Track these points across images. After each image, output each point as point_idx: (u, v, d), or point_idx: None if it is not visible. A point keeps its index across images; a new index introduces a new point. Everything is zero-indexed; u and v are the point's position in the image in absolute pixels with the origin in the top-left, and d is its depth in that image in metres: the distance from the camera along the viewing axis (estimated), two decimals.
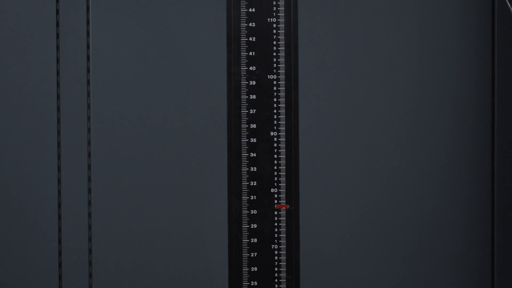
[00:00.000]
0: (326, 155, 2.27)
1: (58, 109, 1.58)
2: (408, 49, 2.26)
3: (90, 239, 1.61)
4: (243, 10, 1.30)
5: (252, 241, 1.31)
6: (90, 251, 1.62)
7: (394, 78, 2.27)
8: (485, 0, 2.24)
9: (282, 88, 1.31)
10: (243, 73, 1.31)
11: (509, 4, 1.26)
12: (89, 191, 1.61)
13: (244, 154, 1.31)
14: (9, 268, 2.27)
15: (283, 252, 1.32)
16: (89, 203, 1.62)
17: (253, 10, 1.30)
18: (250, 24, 1.30)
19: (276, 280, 1.31)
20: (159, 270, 2.28)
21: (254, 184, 1.31)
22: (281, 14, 1.30)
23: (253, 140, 1.31)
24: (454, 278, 2.28)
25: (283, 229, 1.32)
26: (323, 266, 2.27)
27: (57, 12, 1.55)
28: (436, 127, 2.27)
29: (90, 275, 1.60)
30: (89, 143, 1.56)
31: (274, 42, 1.31)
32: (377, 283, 2.29)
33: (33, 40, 2.24)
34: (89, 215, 1.62)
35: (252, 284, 1.31)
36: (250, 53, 1.30)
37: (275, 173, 1.31)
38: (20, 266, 2.26)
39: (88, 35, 1.53)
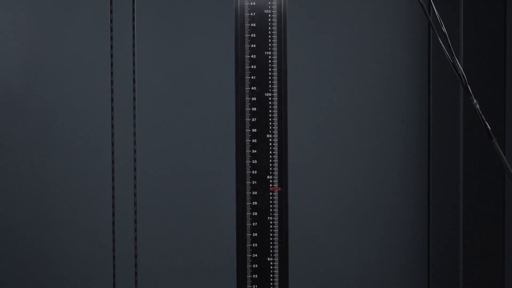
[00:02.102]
0: (307, 151, 2.27)
1: (112, 118, 1.57)
2: (370, 76, 2.26)
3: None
4: (247, 45, 1.30)
5: (253, 214, 1.31)
6: (135, 221, 1.61)
7: (357, 98, 2.27)
8: (423, 33, 2.24)
9: (275, 103, 1.31)
10: (247, 91, 1.31)
11: (441, 43, 1.26)
12: (135, 177, 1.60)
13: (247, 151, 1.31)
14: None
15: (276, 222, 1.31)
16: (135, 186, 1.61)
17: (254, 46, 1.30)
18: (252, 56, 1.30)
19: (271, 243, 1.31)
20: (185, 233, 2.27)
21: (255, 173, 1.31)
22: (275, 48, 1.30)
23: (254, 140, 1.31)
24: (395, 238, 2.29)
25: (276, 206, 1.31)
26: (306, 233, 2.26)
27: (111, 47, 1.54)
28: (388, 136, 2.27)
29: (136, 239, 1.60)
30: (134, 143, 1.56)
31: (269, 69, 1.31)
32: (347, 245, 2.29)
33: (93, 68, 2.24)
34: (135, 195, 1.61)
35: (253, 246, 1.31)
36: (252, 77, 1.30)
37: (270, 165, 1.31)
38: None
39: (134, 63, 1.52)
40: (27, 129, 2.24)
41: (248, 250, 1.31)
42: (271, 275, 1.31)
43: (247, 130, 1.31)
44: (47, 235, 2.26)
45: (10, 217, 2.25)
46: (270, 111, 1.31)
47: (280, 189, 1.31)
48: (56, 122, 2.24)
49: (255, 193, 1.31)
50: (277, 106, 1.31)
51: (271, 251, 1.31)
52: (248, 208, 1.31)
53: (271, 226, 1.31)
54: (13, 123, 2.24)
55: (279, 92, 1.31)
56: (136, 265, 1.58)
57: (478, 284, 2.20)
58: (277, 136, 1.31)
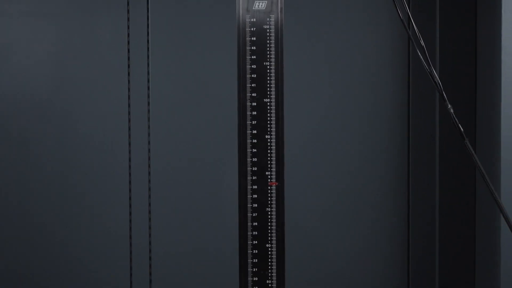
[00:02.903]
0: (301, 150, 2.27)
1: (129, 120, 1.57)
2: (357, 83, 2.26)
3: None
4: (248, 57, 1.30)
5: (253, 206, 1.31)
6: (149, 211, 1.61)
7: (346, 103, 2.27)
8: (403, 45, 2.24)
9: (273, 107, 1.31)
10: (248, 97, 1.31)
11: (420, 54, 1.26)
12: (149, 173, 1.60)
13: (248, 150, 1.31)
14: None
15: (273, 213, 1.31)
16: (149, 181, 1.61)
17: (254, 57, 1.30)
18: (252, 66, 1.30)
19: (269, 231, 1.31)
20: (193, 223, 2.27)
21: (255, 169, 1.31)
22: (272, 60, 1.30)
23: (254, 141, 1.31)
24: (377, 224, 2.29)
25: (273, 198, 1.31)
26: (300, 222, 2.26)
27: (128, 58, 1.55)
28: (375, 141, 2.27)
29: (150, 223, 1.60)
30: (149, 143, 1.56)
31: (268, 78, 1.31)
32: (335, 233, 2.29)
33: (112, 77, 2.24)
34: (149, 188, 1.61)
35: (254, 234, 1.31)
36: (253, 85, 1.31)
37: (269, 162, 1.31)
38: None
39: (148, 73, 1.53)
40: (53, 130, 2.24)
41: (249, 237, 1.31)
42: (269, 260, 1.32)
43: (248, 132, 1.31)
44: (70, 226, 2.26)
45: (35, 211, 2.25)
46: (268, 114, 1.31)
47: (277, 183, 1.31)
48: (79, 125, 2.24)
49: (255, 187, 1.31)
50: (275, 110, 1.31)
51: (269, 238, 1.31)
52: (249, 201, 1.31)
53: (269, 216, 1.31)
54: (41, 125, 2.24)
55: (276, 98, 1.31)
56: (150, 250, 1.59)
57: (452, 269, 2.20)
58: (274, 136, 1.31)
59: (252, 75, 1.31)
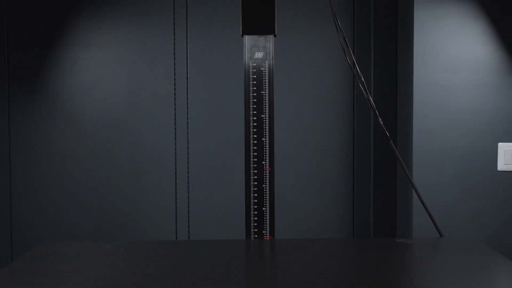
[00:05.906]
0: (285, 147, 2.27)
1: (175, 129, 1.57)
2: (320, 105, 2.26)
3: (188, 187, 1.61)
4: (251, 88, 1.31)
5: (254, 183, 1.31)
6: (188, 187, 1.61)
7: (313, 117, 2.27)
8: (350, 80, 2.24)
9: (267, 120, 1.31)
10: (251, 114, 1.31)
11: (361, 86, 1.27)
12: (188, 162, 1.60)
13: (251, 147, 1.31)
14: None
15: (267, 188, 1.31)
16: (187, 165, 1.61)
17: (255, 88, 1.31)
18: (254, 94, 1.31)
19: (264, 199, 1.31)
20: (215, 194, 2.27)
21: (255, 160, 1.31)
22: (267, 90, 1.31)
23: (255, 141, 1.31)
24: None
25: (267, 178, 1.32)
26: (284, 193, 2.26)
27: (174, 89, 1.55)
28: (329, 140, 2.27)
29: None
30: (187, 142, 1.56)
31: (264, 101, 1.31)
32: (306, 201, 2.29)
33: (163, 99, 2.24)
34: (188, 172, 1.61)
35: (254, 201, 1.31)
36: (254, 106, 1.31)
37: (264, 155, 1.31)
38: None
39: (187, 97, 1.53)
40: (126, 138, 2.24)
41: (252, 203, 1.31)
42: (264, 218, 1.32)
43: (251, 136, 1.31)
44: (137, 200, 2.26)
45: (114, 191, 2.25)
46: (264, 125, 1.31)
47: (269, 169, 1.32)
48: (143, 134, 2.24)
49: (256, 171, 1.31)
50: (268, 122, 1.31)
51: (264, 203, 1.32)
52: (252, 180, 1.31)
53: (264, 190, 1.32)
54: (118, 135, 2.24)
55: (269, 114, 1.31)
56: (189, 212, 1.59)
57: (381, 222, 2.21)
58: (268, 139, 1.31)
59: (254, 100, 1.31)
